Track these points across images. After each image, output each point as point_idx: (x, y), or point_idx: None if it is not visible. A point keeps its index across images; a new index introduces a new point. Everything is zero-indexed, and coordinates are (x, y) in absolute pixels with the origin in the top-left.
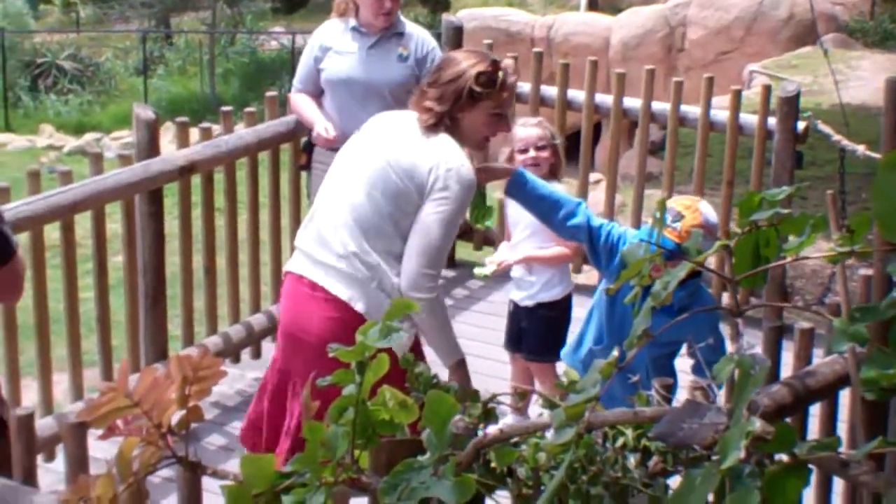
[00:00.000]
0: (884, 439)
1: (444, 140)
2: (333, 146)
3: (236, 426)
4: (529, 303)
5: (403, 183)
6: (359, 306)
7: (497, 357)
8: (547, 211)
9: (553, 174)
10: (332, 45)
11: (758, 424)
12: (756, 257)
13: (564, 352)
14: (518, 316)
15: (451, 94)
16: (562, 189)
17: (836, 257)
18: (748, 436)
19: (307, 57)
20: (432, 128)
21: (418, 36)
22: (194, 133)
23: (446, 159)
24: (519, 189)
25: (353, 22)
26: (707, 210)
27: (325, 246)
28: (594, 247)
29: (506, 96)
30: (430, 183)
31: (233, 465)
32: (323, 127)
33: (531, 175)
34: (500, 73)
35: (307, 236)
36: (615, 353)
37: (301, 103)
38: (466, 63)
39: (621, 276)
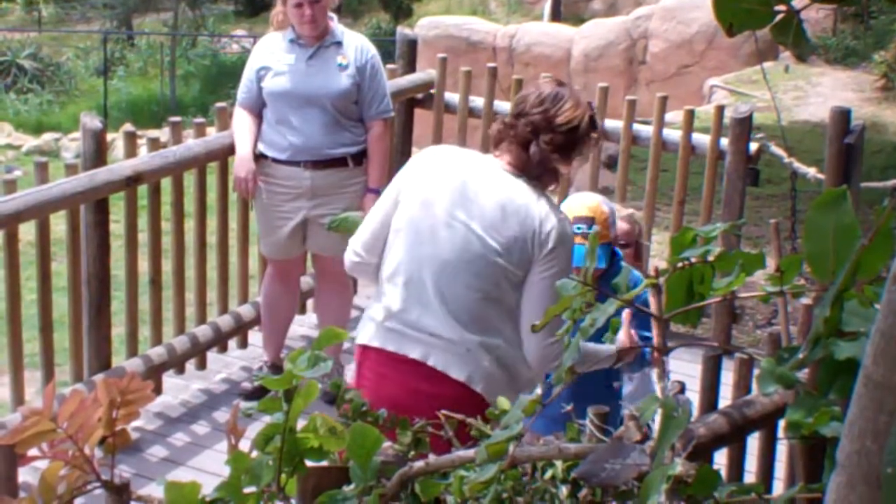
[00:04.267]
0: (804, 484)
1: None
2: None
3: (179, 437)
4: None
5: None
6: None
7: None
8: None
9: None
10: (272, 65)
11: (679, 467)
12: (689, 293)
13: None
14: None
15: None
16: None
17: (767, 297)
18: (669, 479)
19: (249, 73)
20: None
21: (357, 44)
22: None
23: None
24: None
25: (290, 34)
26: (605, 201)
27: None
28: None
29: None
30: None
31: (172, 477)
32: (244, 175)
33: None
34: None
35: None
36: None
37: (238, 126)
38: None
39: (549, 312)
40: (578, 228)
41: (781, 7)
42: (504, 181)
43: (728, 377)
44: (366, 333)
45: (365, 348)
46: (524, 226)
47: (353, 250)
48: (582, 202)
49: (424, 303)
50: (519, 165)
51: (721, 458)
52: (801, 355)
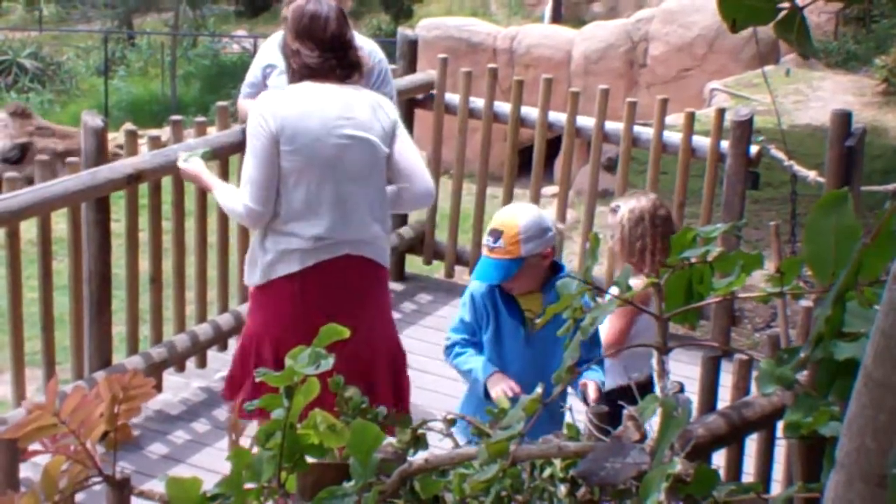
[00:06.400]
0: (803, 484)
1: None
2: None
3: (179, 435)
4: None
5: None
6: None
7: (441, 372)
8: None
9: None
10: (278, 64)
11: (679, 466)
12: (689, 294)
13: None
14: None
15: None
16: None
17: (767, 297)
18: (669, 478)
19: (255, 70)
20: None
21: (365, 49)
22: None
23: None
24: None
25: None
26: (527, 215)
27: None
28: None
29: None
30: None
31: (172, 474)
32: None
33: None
34: None
35: None
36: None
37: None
38: None
39: (547, 311)
40: (486, 240)
41: (785, 4)
42: (348, 92)
43: (727, 380)
44: (292, 264)
45: (298, 275)
46: (382, 114)
47: (253, 207)
48: (500, 214)
49: (348, 218)
50: (344, 78)
51: (719, 460)
52: (802, 355)
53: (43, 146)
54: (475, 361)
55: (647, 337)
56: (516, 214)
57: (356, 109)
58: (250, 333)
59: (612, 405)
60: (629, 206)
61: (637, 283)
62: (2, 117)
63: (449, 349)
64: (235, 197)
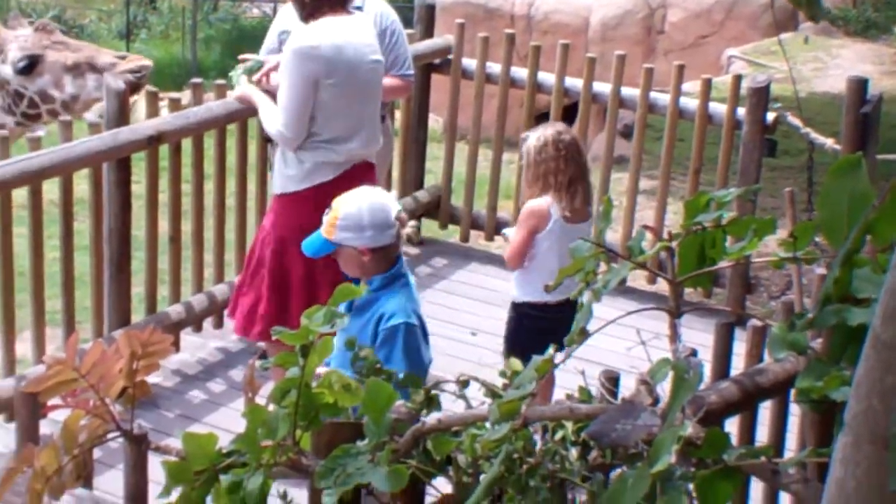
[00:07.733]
0: (814, 449)
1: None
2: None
3: (196, 395)
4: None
5: None
6: None
7: (458, 337)
8: None
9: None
10: (293, 30)
11: (690, 429)
12: (702, 258)
13: None
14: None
15: None
16: None
17: (780, 262)
18: (680, 440)
19: (271, 36)
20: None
21: (378, 10)
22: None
23: None
24: None
25: None
26: (357, 205)
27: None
28: None
29: None
30: None
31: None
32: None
33: None
34: None
35: None
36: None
37: None
38: None
39: (561, 272)
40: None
41: None
42: (361, 20)
43: (740, 348)
44: (327, 173)
45: (329, 184)
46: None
47: (285, 133)
48: (349, 192)
49: (373, 133)
50: (347, 8)
51: (732, 428)
52: (810, 315)
53: (54, 59)
54: None
55: (550, 252)
56: (350, 200)
57: (371, 36)
58: (267, 239)
59: (521, 317)
60: (536, 134)
61: (540, 203)
62: (26, 33)
63: None
64: (272, 119)
